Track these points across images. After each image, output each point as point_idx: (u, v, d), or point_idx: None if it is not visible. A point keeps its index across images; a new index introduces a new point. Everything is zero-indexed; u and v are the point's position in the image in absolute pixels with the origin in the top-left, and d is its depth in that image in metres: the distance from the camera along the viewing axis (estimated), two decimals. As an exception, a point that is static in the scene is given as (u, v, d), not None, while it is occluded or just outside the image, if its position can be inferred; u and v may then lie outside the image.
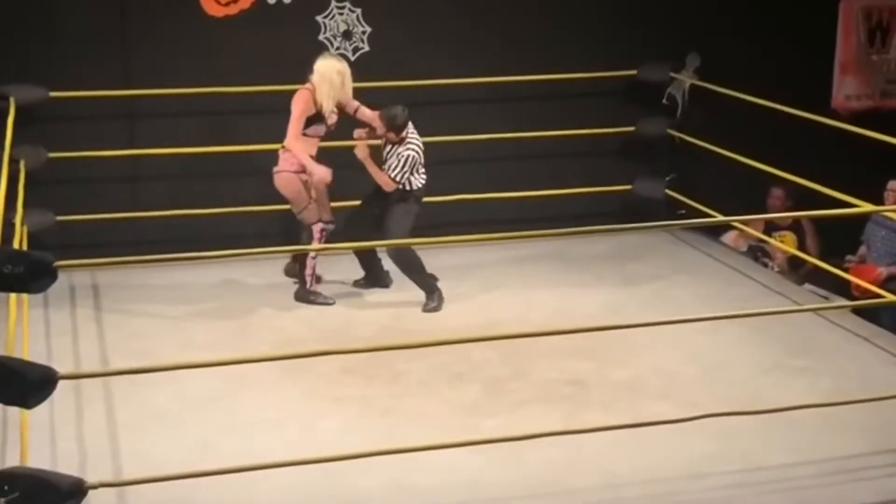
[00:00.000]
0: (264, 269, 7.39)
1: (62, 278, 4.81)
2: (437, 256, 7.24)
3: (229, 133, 7.72)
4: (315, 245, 6.99)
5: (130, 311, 6.91)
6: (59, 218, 7.36)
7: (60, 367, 4.45)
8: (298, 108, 6.88)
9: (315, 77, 6.94)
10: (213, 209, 7.61)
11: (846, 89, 9.22)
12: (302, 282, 7.10)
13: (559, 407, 5.70)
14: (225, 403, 5.68)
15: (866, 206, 6.73)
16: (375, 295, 7.21)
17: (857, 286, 7.44)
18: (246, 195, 7.73)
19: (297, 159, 6.90)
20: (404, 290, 7.15)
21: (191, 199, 7.65)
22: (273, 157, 7.00)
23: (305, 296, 7.08)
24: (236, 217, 7.66)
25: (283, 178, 6.97)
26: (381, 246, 7.15)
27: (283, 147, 6.95)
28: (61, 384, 4.34)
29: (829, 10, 8.99)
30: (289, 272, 7.37)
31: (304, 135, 6.91)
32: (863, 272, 7.64)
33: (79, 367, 6.04)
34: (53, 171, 7.37)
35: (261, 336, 6.56)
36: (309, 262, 7.06)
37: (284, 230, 7.59)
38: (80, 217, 7.40)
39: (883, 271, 7.66)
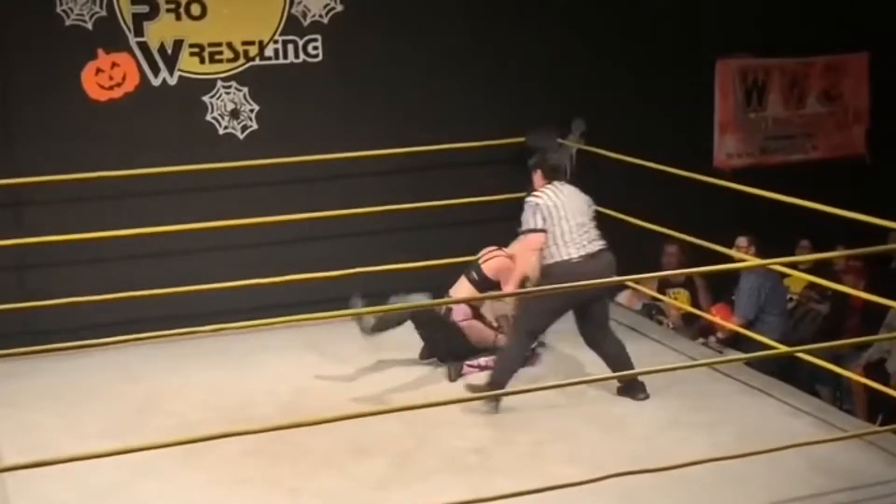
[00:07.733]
0: (157, 354, 7.28)
1: (-50, 373, 4.69)
2: (330, 329, 7.19)
3: (120, 217, 7.61)
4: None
5: (22, 402, 6.73)
6: (-54, 310, 7.17)
7: (-48, 465, 4.33)
8: None
9: None
10: (103, 295, 7.45)
11: (727, 147, 9.46)
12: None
13: (466, 476, 5.69)
14: (125, 493, 5.55)
15: (754, 261, 6.89)
16: (273, 372, 7.13)
17: (721, 326, 7.67)
18: (137, 279, 7.60)
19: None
20: (302, 365, 7.10)
21: (81, 286, 7.50)
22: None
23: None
24: (127, 302, 7.50)
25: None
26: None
27: None
28: (-47, 482, 4.23)
29: (706, 72, 9.25)
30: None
31: None
32: (724, 313, 7.88)
33: (-29, 464, 5.86)
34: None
35: (158, 422, 6.44)
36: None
37: (174, 314, 7.46)
38: (-34, 309, 7.21)
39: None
